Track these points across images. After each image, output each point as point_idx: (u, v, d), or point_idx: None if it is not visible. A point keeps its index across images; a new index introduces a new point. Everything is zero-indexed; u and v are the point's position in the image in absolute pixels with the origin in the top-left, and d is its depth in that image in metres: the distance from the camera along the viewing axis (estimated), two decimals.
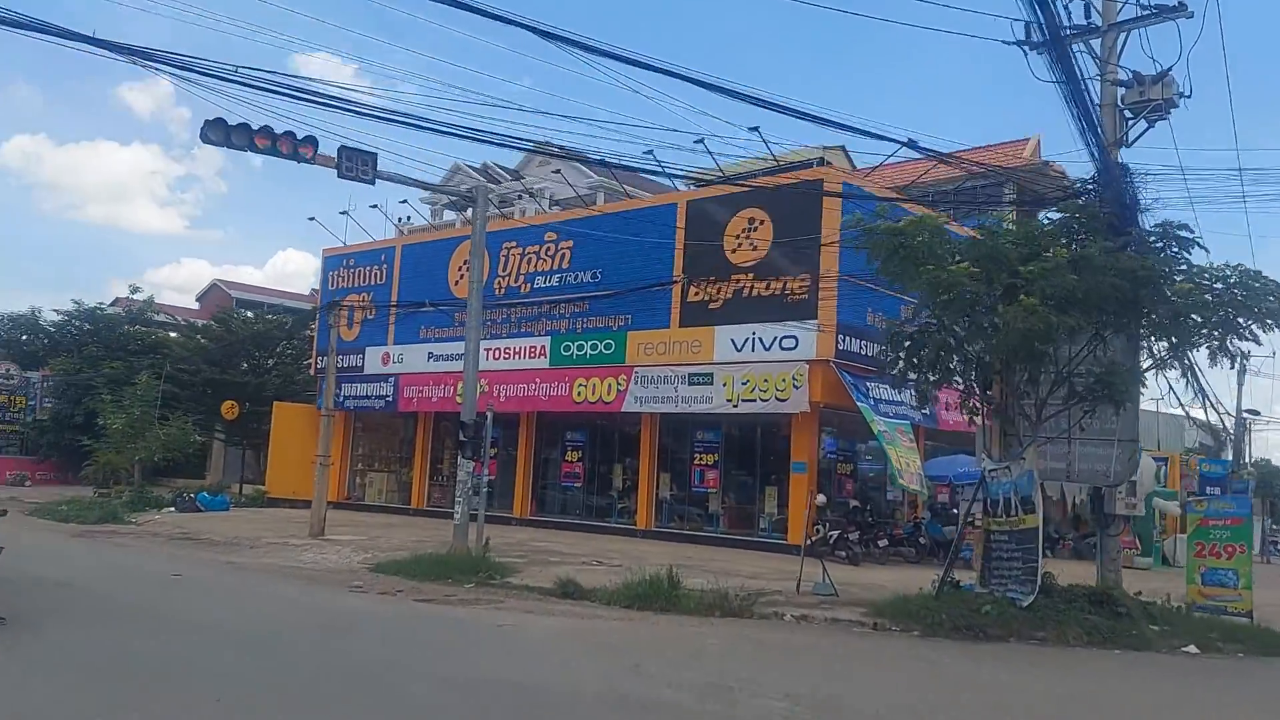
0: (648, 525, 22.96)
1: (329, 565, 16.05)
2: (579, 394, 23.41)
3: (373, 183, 15.14)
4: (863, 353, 21.00)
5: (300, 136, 14.41)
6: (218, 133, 13.84)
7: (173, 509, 26.10)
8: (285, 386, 35.36)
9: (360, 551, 17.71)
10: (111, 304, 45.06)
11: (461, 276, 26.30)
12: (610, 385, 22.89)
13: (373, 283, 28.70)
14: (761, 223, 21.06)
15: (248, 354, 36.33)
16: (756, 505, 22.18)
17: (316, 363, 29.80)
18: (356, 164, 14.97)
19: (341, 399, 28.43)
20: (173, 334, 39.09)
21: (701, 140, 21.41)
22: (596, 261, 23.66)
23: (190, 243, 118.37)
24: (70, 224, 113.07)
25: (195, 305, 56.45)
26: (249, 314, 39.61)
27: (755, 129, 20.04)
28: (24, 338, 41.10)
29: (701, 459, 22.55)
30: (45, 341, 41.01)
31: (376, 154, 15.13)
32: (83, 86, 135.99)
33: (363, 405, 28.57)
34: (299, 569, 15.44)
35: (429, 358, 26.74)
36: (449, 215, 36.75)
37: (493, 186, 31.22)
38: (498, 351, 25.13)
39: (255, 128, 14.09)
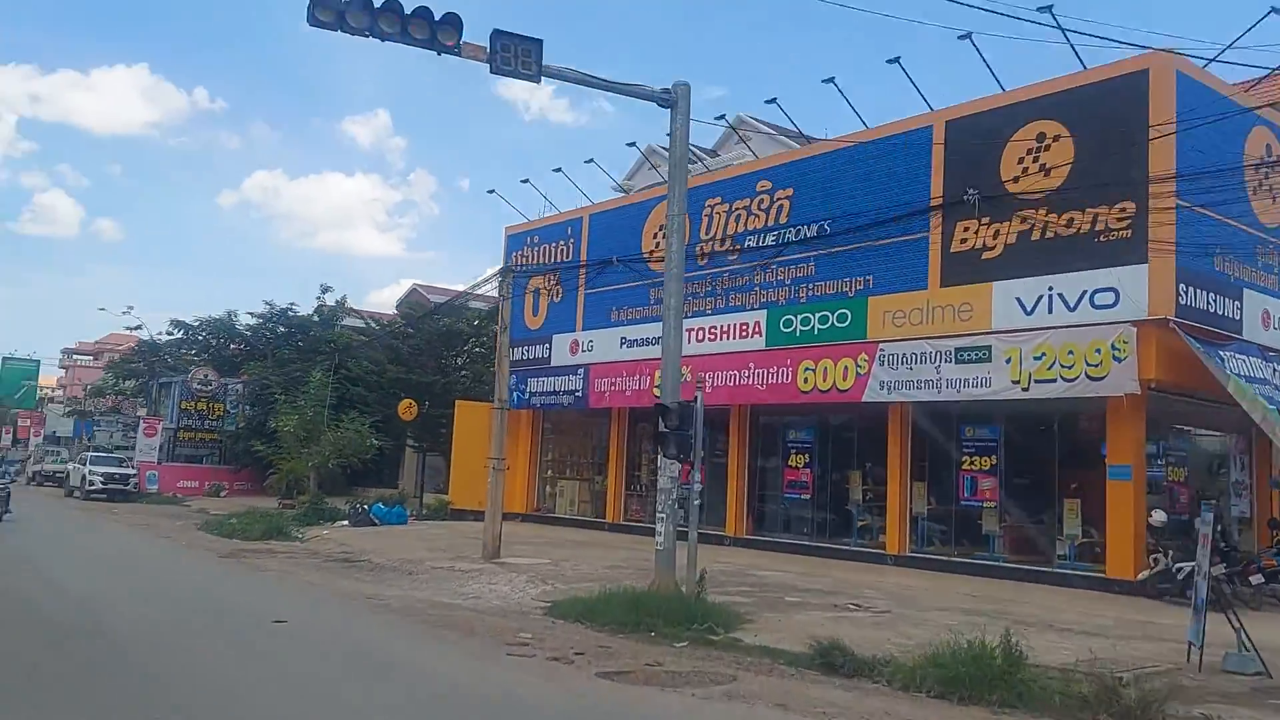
0: (899, 549, 17.80)
1: (495, 603, 12.05)
2: (805, 381, 18.58)
3: (537, 80, 11.05)
4: (1212, 310, 15.08)
5: (439, 15, 10.51)
6: (328, 12, 10.13)
7: (346, 522, 23.35)
8: (474, 386, 32.51)
9: (538, 582, 13.67)
10: (315, 310, 44.03)
11: (658, 244, 22.12)
12: (846, 368, 17.93)
13: (559, 259, 25.04)
14: (1056, 138, 15.53)
15: (436, 353, 33.79)
16: (1052, 524, 16.56)
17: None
18: (515, 55, 10.91)
19: (527, 395, 24.95)
20: (377, 343, 37.19)
21: (968, 35, 16.13)
22: (824, 211, 18.79)
23: (407, 264, 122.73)
24: (303, 251, 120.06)
25: (394, 311, 55.67)
26: (436, 314, 37.19)
27: (1048, 9, 14.60)
28: (222, 343, 40.69)
29: (972, 462, 17.15)
30: (242, 346, 40.40)
31: (541, 40, 11.02)
32: (312, 122, 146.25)
33: (550, 402, 24.90)
34: (455, 609, 11.50)
35: (622, 344, 22.68)
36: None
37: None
38: (702, 332, 20.72)
39: (377, 4, 10.30)
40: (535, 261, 25.80)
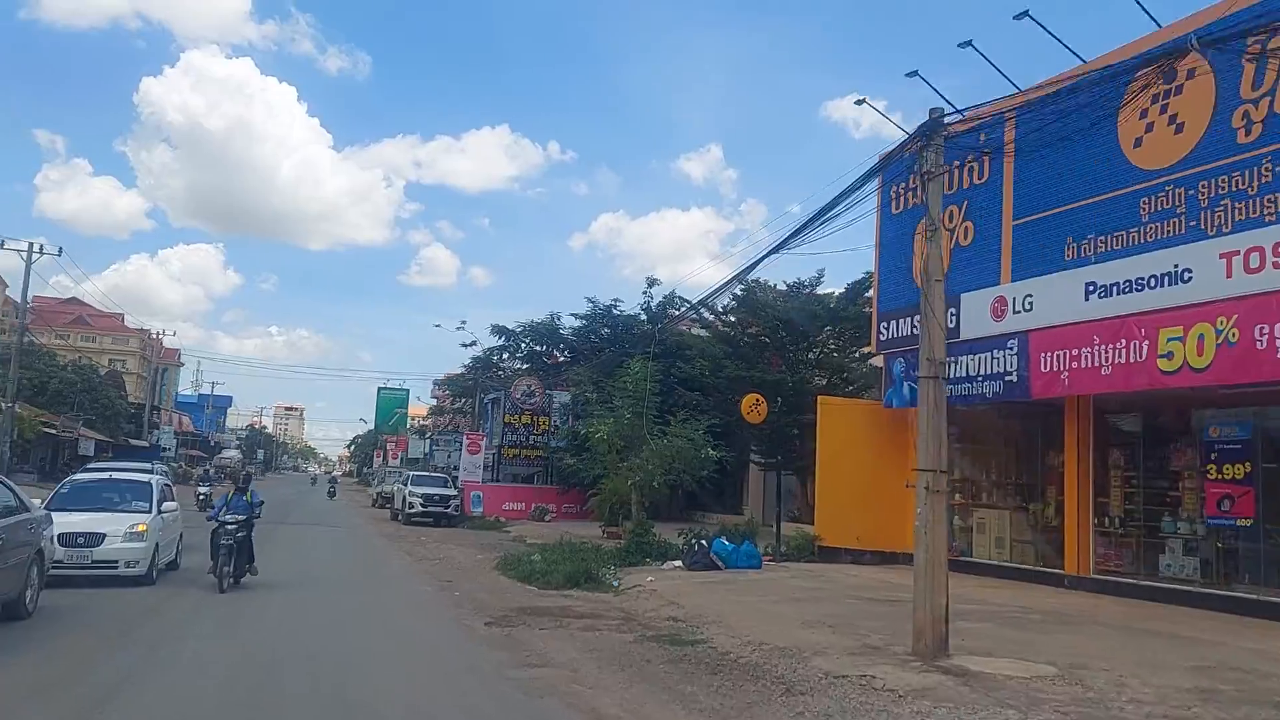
0: None
1: None
2: None
3: None
4: None
5: None
6: None
7: (679, 563, 17.01)
8: (833, 385, 25.41)
9: None
10: (641, 307, 38.93)
11: (1150, 129, 13.66)
12: None
13: (966, 185, 17.18)
14: None
15: (780, 347, 27.03)
16: None
17: (878, 331, 18.95)
18: None
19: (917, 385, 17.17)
20: (699, 331, 31.24)
21: None
22: None
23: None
24: (643, 285, 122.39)
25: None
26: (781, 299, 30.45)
27: None
28: (546, 350, 36.80)
29: None
30: (566, 353, 36.25)
31: None
32: (650, 164, 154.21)
33: (961, 393, 16.94)
34: None
35: (1090, 293, 14.29)
36: None
37: None
38: (1256, 254, 11.98)
39: None
40: (914, 203, 18.05)
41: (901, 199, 18.43)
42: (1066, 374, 14.53)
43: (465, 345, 48.58)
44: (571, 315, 35.00)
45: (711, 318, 29.51)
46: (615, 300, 33.85)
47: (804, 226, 12.12)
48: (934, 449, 9.01)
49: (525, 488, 35.11)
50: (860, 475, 18.43)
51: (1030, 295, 15.45)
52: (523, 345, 35.88)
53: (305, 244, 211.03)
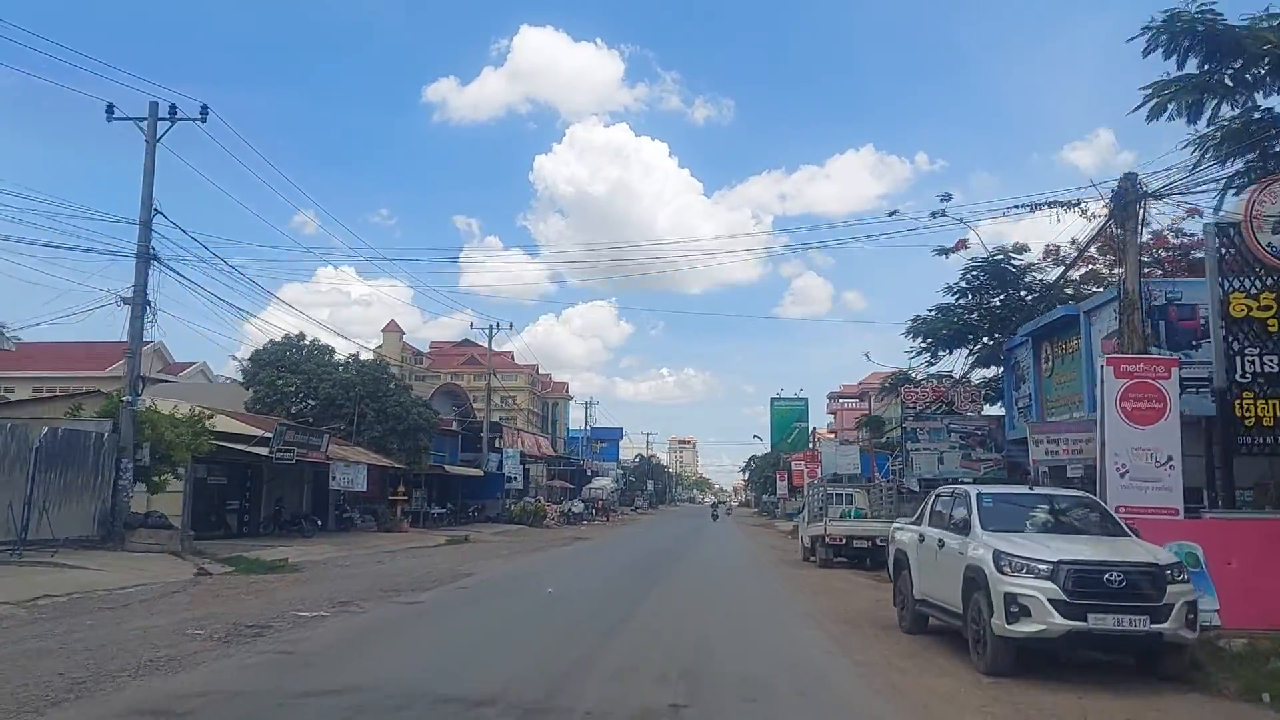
0: None
1: None
2: None
3: None
4: None
5: None
6: None
7: None
8: None
9: None
10: None
11: None
12: None
13: None
14: None
15: None
16: None
17: None
18: None
19: None
20: None
21: None
22: None
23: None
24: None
25: None
26: None
27: None
28: None
29: None
30: None
31: None
32: (1029, 159, 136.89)
33: None
34: None
35: None
36: None
37: None
38: None
39: None
40: None
41: None
42: None
43: (941, 253, 25.19)
44: None
45: None
46: None
47: None
48: None
49: None
50: None
51: None
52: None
53: (685, 289, 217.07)
